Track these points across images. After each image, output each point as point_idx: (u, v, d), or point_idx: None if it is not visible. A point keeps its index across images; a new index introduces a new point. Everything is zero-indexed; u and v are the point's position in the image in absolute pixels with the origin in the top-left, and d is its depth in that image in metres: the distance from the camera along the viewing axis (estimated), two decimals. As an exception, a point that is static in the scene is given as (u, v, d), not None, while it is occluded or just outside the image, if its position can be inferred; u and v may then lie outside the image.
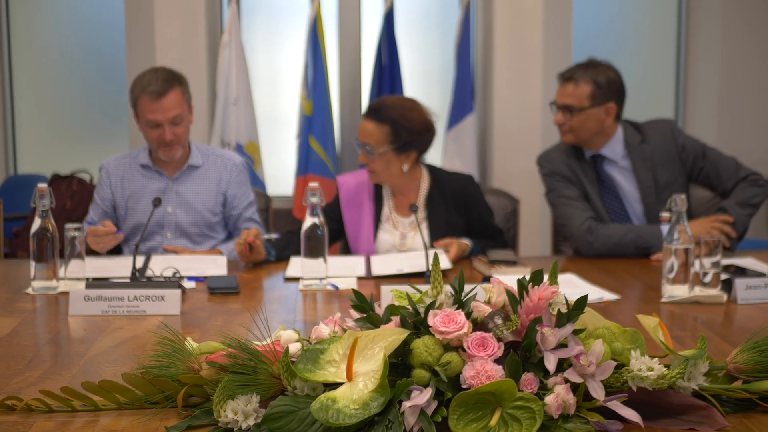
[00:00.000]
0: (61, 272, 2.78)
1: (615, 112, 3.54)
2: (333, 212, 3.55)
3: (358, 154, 3.50)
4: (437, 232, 3.43)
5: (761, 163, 4.75)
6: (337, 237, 3.58)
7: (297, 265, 3.03)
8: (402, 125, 3.38)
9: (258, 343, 1.62)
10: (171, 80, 3.45)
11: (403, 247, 3.46)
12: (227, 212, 3.63)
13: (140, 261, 3.04)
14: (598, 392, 1.48)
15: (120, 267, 3.06)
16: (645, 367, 1.52)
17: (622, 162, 3.58)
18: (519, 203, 4.00)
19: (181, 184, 3.57)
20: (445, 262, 3.05)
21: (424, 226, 3.46)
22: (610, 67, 3.57)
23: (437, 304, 1.59)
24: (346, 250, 3.59)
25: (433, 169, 3.58)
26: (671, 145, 3.58)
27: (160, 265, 3.00)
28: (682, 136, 3.61)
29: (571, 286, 2.75)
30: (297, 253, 3.15)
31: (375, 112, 3.41)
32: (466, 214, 3.51)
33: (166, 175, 3.57)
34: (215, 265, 3.12)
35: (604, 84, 3.51)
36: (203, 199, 3.57)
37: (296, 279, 2.92)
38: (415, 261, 3.11)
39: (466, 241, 3.35)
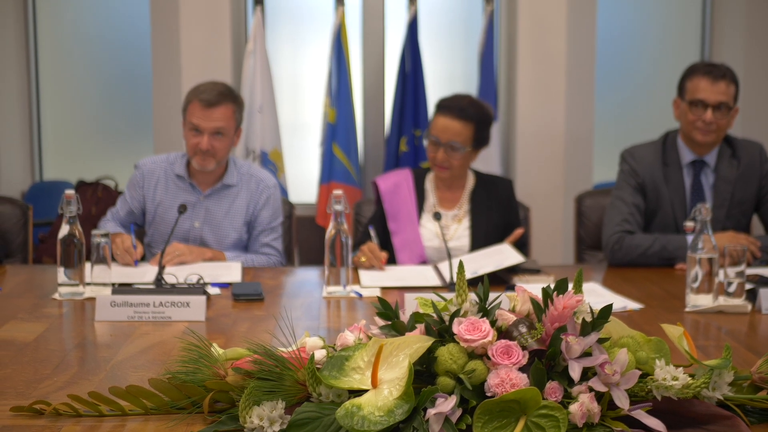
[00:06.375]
0: (87, 278, 2.80)
1: (736, 116, 3.48)
2: (379, 217, 3.59)
3: (423, 149, 3.58)
4: (479, 232, 3.49)
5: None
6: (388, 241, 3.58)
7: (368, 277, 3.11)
8: (484, 123, 3.49)
9: (283, 349, 1.63)
10: (226, 95, 3.48)
11: (446, 237, 3.46)
12: (252, 232, 3.62)
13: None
14: (622, 401, 1.49)
15: (143, 273, 3.09)
16: (670, 377, 1.52)
17: (711, 171, 3.52)
18: (529, 211, 4.02)
19: (212, 201, 3.56)
20: (517, 257, 3.11)
21: (467, 223, 3.51)
22: None
23: (462, 312, 1.60)
24: (386, 243, 3.55)
25: (475, 170, 3.65)
26: (757, 167, 3.51)
27: (174, 272, 3.01)
28: None
29: (595, 295, 2.75)
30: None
31: (461, 111, 3.45)
32: (507, 217, 3.56)
33: (198, 190, 3.56)
34: (229, 272, 3.15)
35: (737, 87, 3.42)
36: (231, 218, 3.56)
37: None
38: (485, 260, 3.12)
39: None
